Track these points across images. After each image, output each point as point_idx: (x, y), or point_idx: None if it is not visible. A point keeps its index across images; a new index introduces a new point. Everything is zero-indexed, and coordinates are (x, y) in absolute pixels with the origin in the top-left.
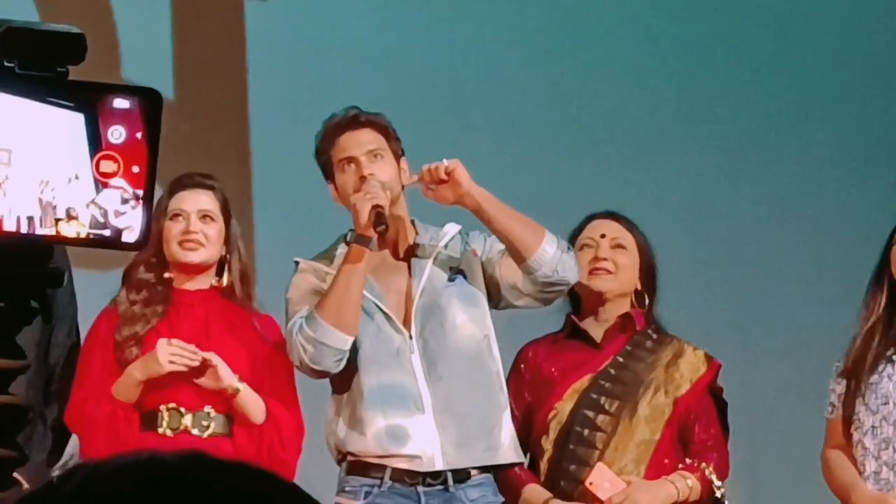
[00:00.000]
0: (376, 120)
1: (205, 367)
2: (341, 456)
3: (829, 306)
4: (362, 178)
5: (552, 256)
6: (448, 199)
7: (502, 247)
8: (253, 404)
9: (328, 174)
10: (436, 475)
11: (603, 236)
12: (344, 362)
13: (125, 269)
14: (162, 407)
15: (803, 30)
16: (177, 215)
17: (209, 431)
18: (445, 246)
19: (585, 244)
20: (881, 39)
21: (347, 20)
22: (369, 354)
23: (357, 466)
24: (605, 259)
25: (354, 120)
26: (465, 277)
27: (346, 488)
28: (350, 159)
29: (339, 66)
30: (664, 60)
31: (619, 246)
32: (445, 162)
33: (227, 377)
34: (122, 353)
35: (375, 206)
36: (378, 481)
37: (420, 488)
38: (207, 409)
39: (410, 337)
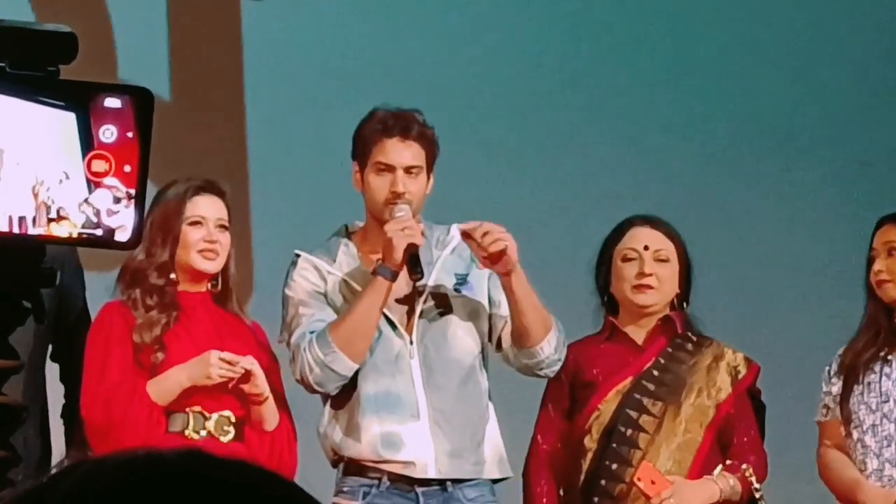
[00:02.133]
0: (425, 134)
1: (247, 375)
2: (337, 458)
3: (830, 307)
4: (394, 194)
5: (545, 356)
6: (488, 264)
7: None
8: (272, 411)
9: (358, 158)
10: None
11: (646, 248)
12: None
13: (127, 269)
14: (188, 409)
15: (804, 29)
16: (197, 222)
17: (230, 436)
18: (452, 251)
19: (629, 256)
20: (881, 38)
21: (343, 20)
22: (368, 359)
23: (354, 467)
24: (650, 275)
25: (406, 130)
26: (470, 287)
27: (344, 489)
28: (388, 167)
29: (336, 65)
30: (665, 59)
31: (662, 259)
32: (499, 235)
33: (263, 384)
34: (146, 356)
35: (411, 246)
36: (376, 482)
37: (418, 488)
38: (227, 412)
39: (411, 342)
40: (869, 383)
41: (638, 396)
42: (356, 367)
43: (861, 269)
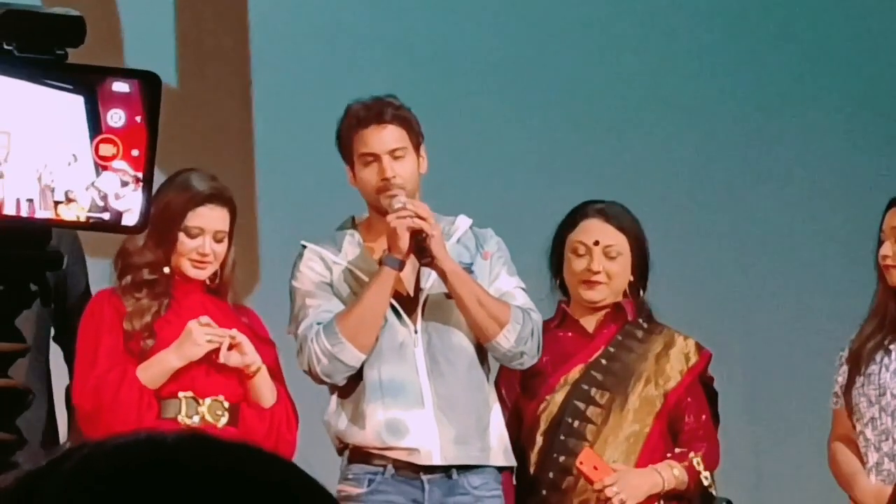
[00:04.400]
0: (401, 115)
1: (231, 345)
2: (342, 445)
3: (833, 296)
4: (385, 181)
5: (505, 350)
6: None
7: (500, 271)
8: (268, 385)
9: (346, 158)
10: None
11: (597, 243)
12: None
13: (121, 256)
14: (180, 394)
15: (807, 18)
16: (194, 233)
17: (224, 420)
18: (458, 240)
19: (579, 251)
20: (886, 27)
21: (350, 5)
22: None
23: (359, 454)
24: (598, 272)
25: (380, 116)
26: (474, 276)
27: (349, 476)
28: (372, 156)
29: (342, 52)
30: (667, 48)
31: (612, 256)
32: (419, 212)
33: (253, 353)
34: (136, 343)
35: (415, 233)
36: (381, 469)
37: (424, 476)
38: (220, 397)
39: (416, 331)
40: (869, 374)
41: (586, 387)
42: (364, 357)
43: (868, 258)
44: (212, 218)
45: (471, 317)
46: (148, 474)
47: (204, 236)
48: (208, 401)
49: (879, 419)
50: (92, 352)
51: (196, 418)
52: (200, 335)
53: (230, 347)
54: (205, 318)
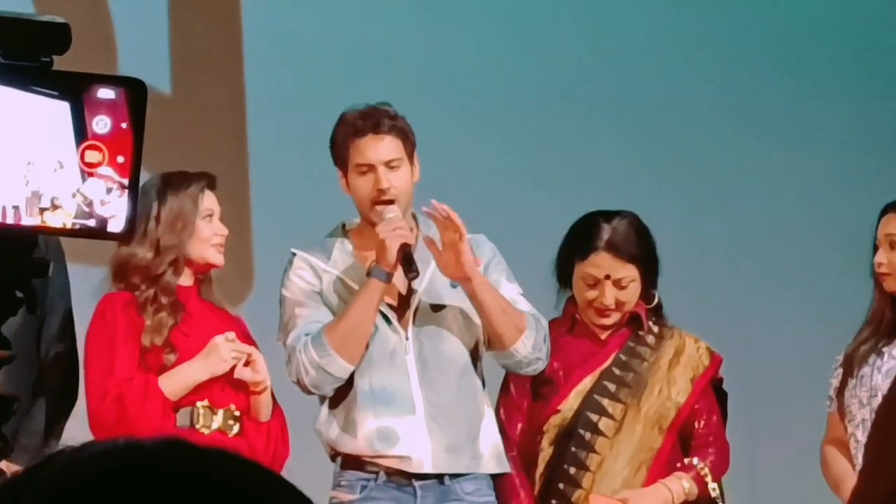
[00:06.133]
0: (397, 125)
1: (247, 362)
2: (335, 452)
3: (829, 298)
4: (379, 192)
5: (522, 357)
6: (449, 267)
7: (500, 278)
8: (269, 401)
9: (340, 165)
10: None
11: (607, 277)
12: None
13: (129, 265)
14: (198, 404)
15: (803, 22)
16: (208, 216)
17: (235, 430)
18: None
19: (588, 280)
20: (884, 29)
21: (344, 12)
22: (364, 355)
23: (352, 461)
24: (609, 308)
25: (377, 126)
26: None
27: (342, 482)
28: (368, 167)
29: (336, 58)
30: (662, 51)
31: (624, 286)
32: (459, 226)
33: (265, 371)
34: (157, 357)
35: (404, 246)
36: (374, 476)
37: (416, 482)
38: (232, 407)
39: (407, 338)
40: (862, 377)
41: (598, 398)
42: (352, 368)
43: (864, 261)
44: (216, 200)
45: (493, 325)
46: (127, 480)
47: (214, 218)
48: (222, 410)
49: (870, 421)
50: (107, 358)
51: (215, 426)
52: (227, 351)
53: (246, 363)
54: (231, 334)
